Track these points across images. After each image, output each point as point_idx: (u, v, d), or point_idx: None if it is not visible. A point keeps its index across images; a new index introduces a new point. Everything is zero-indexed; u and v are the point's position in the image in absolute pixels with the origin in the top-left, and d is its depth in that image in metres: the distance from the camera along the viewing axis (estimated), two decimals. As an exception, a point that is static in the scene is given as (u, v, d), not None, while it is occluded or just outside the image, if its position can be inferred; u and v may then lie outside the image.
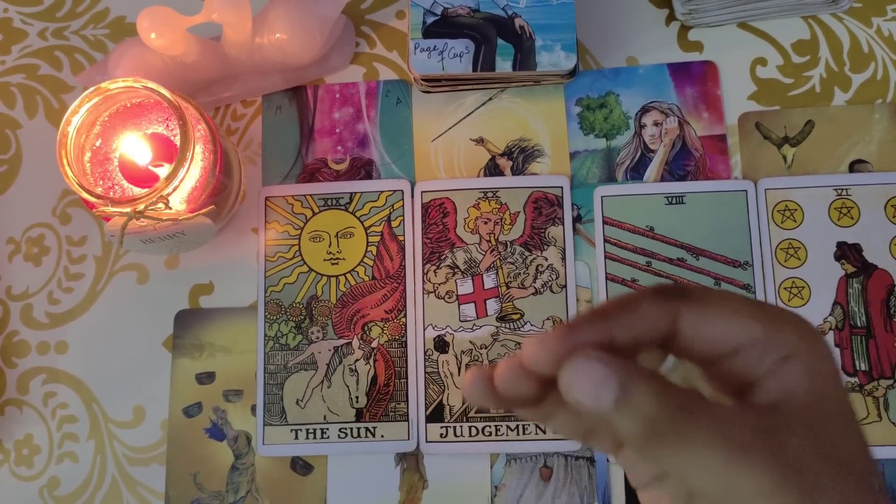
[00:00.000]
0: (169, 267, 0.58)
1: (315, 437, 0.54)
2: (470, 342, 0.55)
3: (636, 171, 0.57)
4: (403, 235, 0.57)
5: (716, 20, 0.58)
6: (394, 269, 0.56)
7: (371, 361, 0.55)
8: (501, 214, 0.56)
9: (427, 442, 0.54)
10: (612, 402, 0.23)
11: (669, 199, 0.56)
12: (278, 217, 0.58)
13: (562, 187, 0.56)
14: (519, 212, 0.56)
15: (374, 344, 0.55)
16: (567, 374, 0.24)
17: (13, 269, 0.59)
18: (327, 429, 0.54)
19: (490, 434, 0.54)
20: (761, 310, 0.26)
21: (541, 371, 0.25)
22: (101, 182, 0.52)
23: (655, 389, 0.24)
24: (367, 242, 0.57)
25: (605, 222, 0.56)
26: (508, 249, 0.56)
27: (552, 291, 0.55)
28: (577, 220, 0.56)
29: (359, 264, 0.57)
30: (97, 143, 0.52)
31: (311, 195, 0.58)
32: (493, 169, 0.58)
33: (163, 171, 0.51)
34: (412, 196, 0.57)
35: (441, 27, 0.55)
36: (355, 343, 0.56)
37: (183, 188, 0.50)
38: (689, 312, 0.26)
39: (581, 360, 0.24)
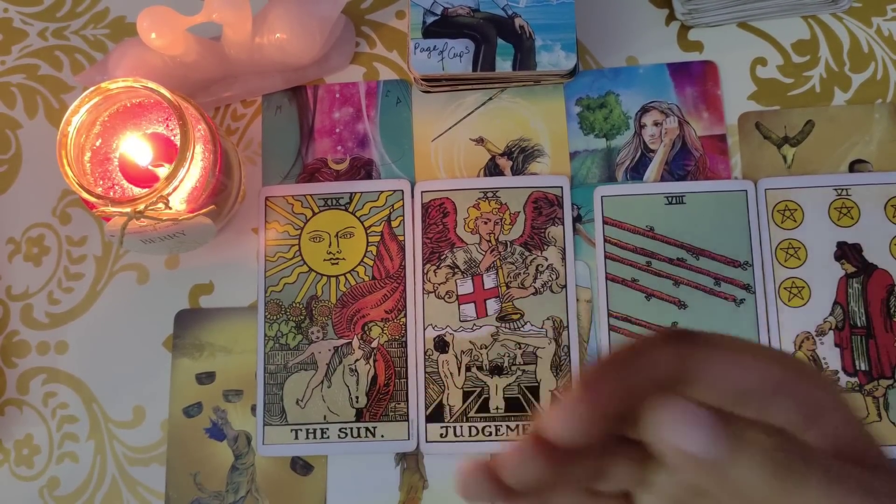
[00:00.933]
0: (169, 267, 0.58)
1: (315, 437, 0.54)
2: (470, 342, 0.55)
3: (636, 171, 0.57)
4: (403, 235, 0.57)
5: (716, 20, 0.58)
6: (394, 269, 0.56)
7: (371, 361, 0.55)
8: (501, 214, 0.56)
9: (427, 442, 0.54)
10: (726, 447, 0.22)
11: (669, 199, 0.56)
12: (278, 217, 0.58)
13: (562, 187, 0.56)
14: (519, 212, 0.56)
15: (374, 344, 0.55)
16: (667, 425, 0.22)
17: (13, 269, 0.59)
18: (327, 429, 0.54)
19: (490, 434, 0.54)
20: (770, 352, 0.25)
21: (571, 443, 0.24)
22: (101, 182, 0.52)
23: (765, 430, 0.22)
24: (367, 242, 0.57)
25: (605, 222, 0.56)
26: (508, 249, 0.56)
27: (552, 291, 0.55)
28: (577, 220, 0.56)
29: (359, 264, 0.57)
30: (97, 143, 0.52)
31: (311, 195, 0.58)
32: (493, 169, 0.58)
33: (163, 171, 0.51)
34: (412, 196, 0.57)
35: (441, 27, 0.55)
36: (355, 343, 0.56)
37: (183, 188, 0.50)
38: (699, 353, 0.25)
39: (679, 406, 0.22)
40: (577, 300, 0.55)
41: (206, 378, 0.56)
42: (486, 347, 0.55)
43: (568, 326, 0.55)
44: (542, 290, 0.55)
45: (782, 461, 0.22)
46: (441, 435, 0.54)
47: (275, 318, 0.56)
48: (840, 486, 0.22)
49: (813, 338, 0.53)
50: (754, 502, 0.23)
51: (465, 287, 0.56)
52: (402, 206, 0.57)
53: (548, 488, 0.25)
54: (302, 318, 0.56)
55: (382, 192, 0.57)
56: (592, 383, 0.23)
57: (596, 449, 0.26)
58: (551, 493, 0.26)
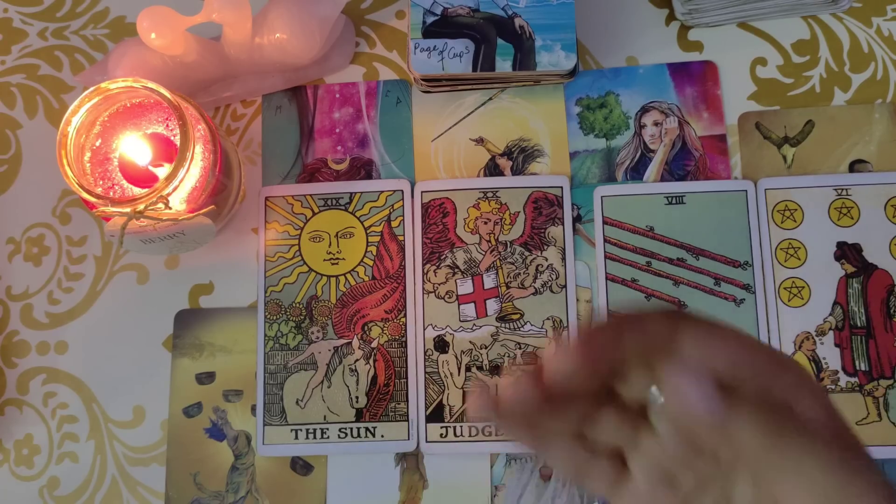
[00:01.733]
0: (169, 267, 0.58)
1: (315, 437, 0.54)
2: (470, 342, 0.55)
3: (636, 171, 0.57)
4: (403, 235, 0.57)
5: (716, 20, 0.58)
6: (394, 269, 0.56)
7: (371, 361, 0.55)
8: (501, 214, 0.56)
9: (427, 442, 0.54)
10: (724, 411, 0.25)
11: (669, 199, 0.56)
12: (278, 217, 0.58)
13: (562, 187, 0.56)
14: (519, 212, 0.56)
15: (374, 344, 0.55)
16: (675, 386, 0.26)
17: (13, 269, 0.59)
18: (327, 429, 0.54)
19: (490, 434, 0.54)
20: (758, 343, 0.29)
21: (564, 383, 0.27)
22: (101, 182, 0.52)
23: (758, 399, 0.26)
24: (367, 242, 0.57)
25: (605, 222, 0.56)
26: (508, 249, 0.56)
27: (552, 291, 0.55)
28: (577, 220, 0.56)
29: (359, 264, 0.57)
30: (97, 143, 0.52)
31: (311, 195, 0.58)
32: (493, 169, 0.58)
33: (163, 171, 0.51)
34: (412, 196, 0.57)
35: (441, 27, 0.55)
36: (355, 343, 0.56)
37: (183, 188, 0.50)
38: (691, 329, 0.27)
39: (686, 374, 0.25)
40: (577, 300, 0.55)
41: (206, 378, 0.56)
42: (486, 347, 0.55)
43: (568, 326, 0.55)
44: (542, 290, 0.55)
45: (774, 423, 0.25)
46: (441, 435, 0.54)
47: (275, 318, 0.56)
48: (828, 456, 0.25)
49: (813, 338, 0.53)
50: (737, 465, 0.27)
51: (465, 287, 0.56)
52: (402, 206, 0.57)
53: (542, 423, 0.29)
54: (302, 318, 0.56)
55: (382, 192, 0.57)
56: (591, 336, 0.27)
57: (588, 396, 0.29)
58: (547, 430, 0.29)
